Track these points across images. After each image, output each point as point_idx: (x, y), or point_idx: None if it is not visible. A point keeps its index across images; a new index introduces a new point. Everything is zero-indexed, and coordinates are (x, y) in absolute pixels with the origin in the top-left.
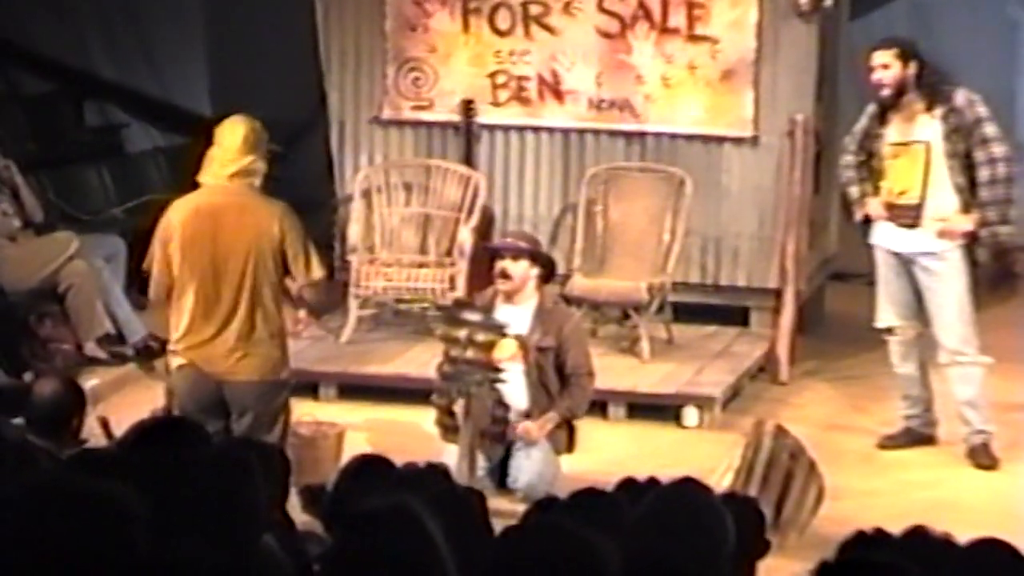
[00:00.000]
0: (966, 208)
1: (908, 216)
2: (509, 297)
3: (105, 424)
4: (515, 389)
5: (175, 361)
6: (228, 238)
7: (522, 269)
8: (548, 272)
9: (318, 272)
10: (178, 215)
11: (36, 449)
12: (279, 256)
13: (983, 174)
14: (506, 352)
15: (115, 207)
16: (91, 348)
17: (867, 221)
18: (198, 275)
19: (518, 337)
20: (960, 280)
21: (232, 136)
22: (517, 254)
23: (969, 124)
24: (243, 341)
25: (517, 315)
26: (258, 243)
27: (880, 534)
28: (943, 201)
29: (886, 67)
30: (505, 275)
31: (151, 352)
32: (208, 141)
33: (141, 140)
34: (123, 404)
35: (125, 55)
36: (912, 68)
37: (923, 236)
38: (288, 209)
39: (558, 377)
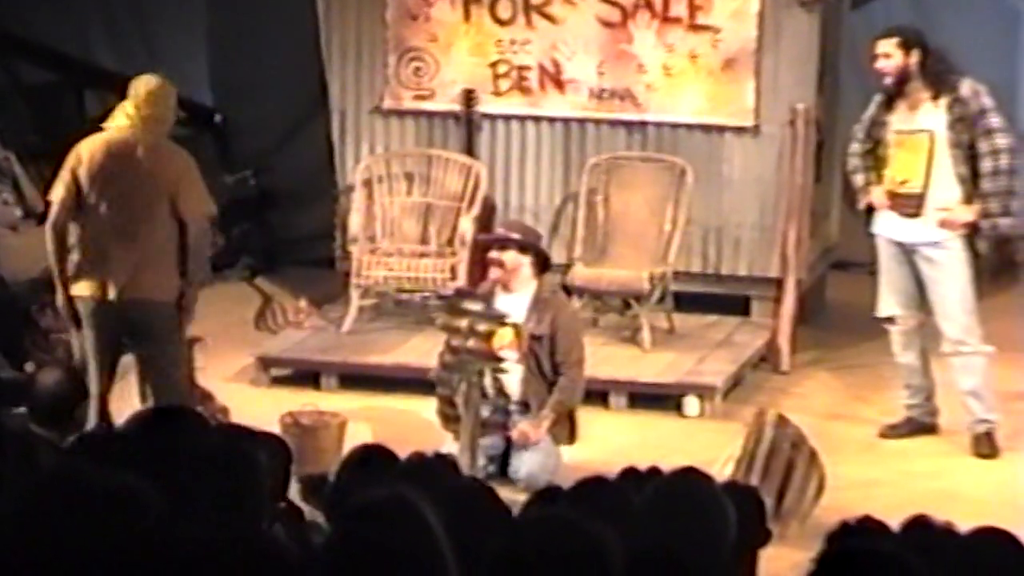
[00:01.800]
0: (968, 198)
1: (910, 205)
2: (506, 286)
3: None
4: (511, 377)
5: (75, 289)
6: (132, 171)
7: (511, 258)
8: (542, 261)
9: (208, 207)
10: (87, 148)
11: (38, 439)
12: (176, 193)
13: (986, 165)
14: (503, 340)
15: None
16: None
17: (870, 210)
18: (103, 203)
19: (514, 325)
20: (962, 270)
21: (145, 87)
22: (505, 244)
23: (973, 114)
24: (140, 265)
25: (514, 303)
26: (157, 179)
27: (869, 523)
28: (945, 191)
29: (888, 56)
30: (495, 264)
31: None
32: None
33: None
34: (124, 394)
35: (126, 45)
36: (914, 57)
37: (925, 226)
38: (189, 157)
39: (552, 366)
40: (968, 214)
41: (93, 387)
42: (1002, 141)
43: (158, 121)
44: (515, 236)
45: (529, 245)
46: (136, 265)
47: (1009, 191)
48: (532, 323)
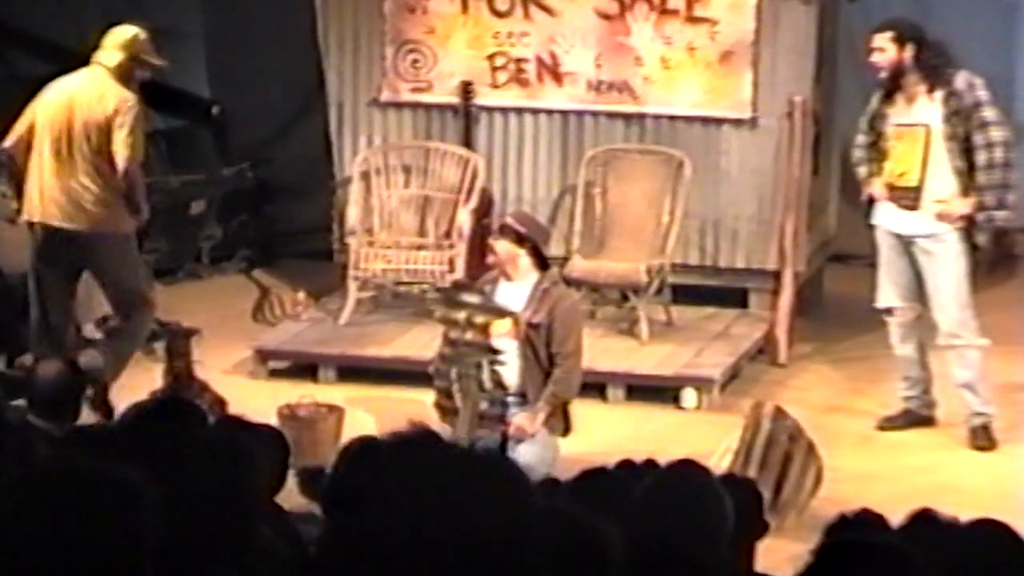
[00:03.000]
0: (965, 191)
1: (907, 198)
2: (507, 275)
3: None
4: (508, 368)
5: (27, 215)
6: (77, 110)
7: (503, 247)
8: (538, 257)
9: (129, 154)
10: (47, 90)
11: (36, 431)
12: (108, 134)
13: (981, 158)
14: (500, 329)
15: None
16: (90, 330)
17: (872, 201)
18: (51, 138)
19: (513, 314)
20: (958, 263)
21: (113, 34)
22: (503, 231)
23: (968, 107)
24: (81, 197)
25: (516, 292)
26: (97, 118)
27: (867, 516)
28: (942, 184)
29: (882, 51)
30: (490, 249)
31: (150, 334)
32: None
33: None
34: (121, 386)
35: None
36: (909, 51)
37: (922, 218)
38: (133, 101)
39: (548, 356)
40: (964, 207)
41: (35, 311)
42: (997, 134)
43: (114, 64)
44: (515, 225)
45: (525, 237)
46: (77, 197)
47: (1004, 184)
48: (530, 311)
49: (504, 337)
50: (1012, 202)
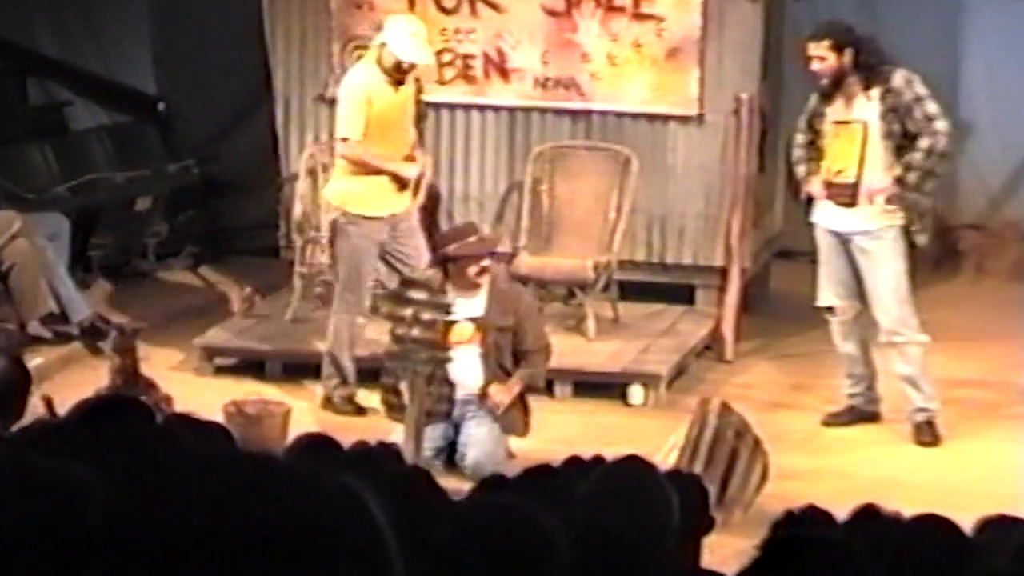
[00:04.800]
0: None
1: (845, 195)
2: (475, 288)
3: (49, 403)
4: (470, 371)
5: None
6: None
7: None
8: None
9: (340, 132)
10: None
11: None
12: None
13: (924, 143)
14: (463, 335)
15: (59, 185)
16: (35, 327)
17: (811, 199)
18: None
19: (475, 320)
20: (895, 260)
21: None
22: (502, 258)
23: (907, 104)
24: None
25: (473, 300)
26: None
27: (813, 512)
28: (878, 180)
29: (822, 59)
30: (482, 271)
31: (96, 331)
32: None
33: (85, 118)
34: (67, 383)
35: (69, 33)
36: (847, 56)
37: (859, 215)
38: (350, 82)
39: (514, 356)
40: (886, 180)
41: None
42: (942, 125)
43: (371, 48)
44: (496, 249)
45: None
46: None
47: (932, 171)
48: (495, 316)
49: (465, 345)
50: (930, 190)
